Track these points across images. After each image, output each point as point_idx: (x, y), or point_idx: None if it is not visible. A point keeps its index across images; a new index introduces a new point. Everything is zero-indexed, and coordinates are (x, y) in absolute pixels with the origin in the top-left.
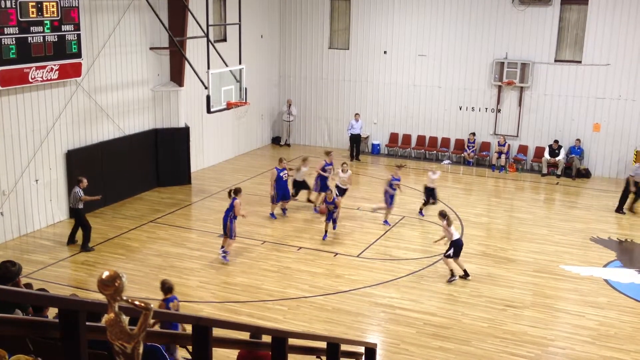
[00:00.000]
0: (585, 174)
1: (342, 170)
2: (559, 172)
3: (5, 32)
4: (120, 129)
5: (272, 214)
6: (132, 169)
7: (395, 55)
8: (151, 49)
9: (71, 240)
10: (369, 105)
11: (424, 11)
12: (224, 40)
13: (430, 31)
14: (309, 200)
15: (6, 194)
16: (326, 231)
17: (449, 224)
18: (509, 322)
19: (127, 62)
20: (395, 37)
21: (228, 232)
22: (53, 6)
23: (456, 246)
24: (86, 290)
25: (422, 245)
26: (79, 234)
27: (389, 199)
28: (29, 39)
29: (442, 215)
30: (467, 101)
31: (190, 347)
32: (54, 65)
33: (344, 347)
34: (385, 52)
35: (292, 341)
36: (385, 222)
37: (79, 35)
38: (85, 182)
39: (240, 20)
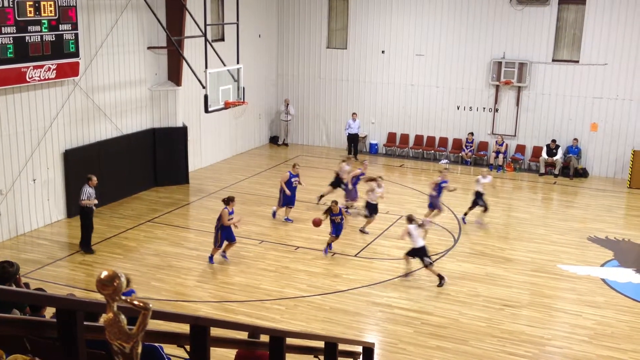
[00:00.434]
0: (582, 174)
1: (378, 185)
2: (556, 172)
3: (3, 32)
4: (117, 128)
5: (287, 218)
6: (130, 169)
7: (393, 55)
8: (149, 48)
9: (87, 248)
10: (367, 104)
11: (422, 11)
12: (222, 39)
13: (428, 31)
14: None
15: (3, 193)
16: (329, 244)
17: (416, 229)
18: (506, 322)
19: (124, 62)
20: (393, 37)
21: (214, 240)
22: (51, 5)
23: (420, 254)
24: (84, 290)
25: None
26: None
27: (437, 202)
28: (27, 38)
29: (410, 219)
30: (465, 101)
31: (188, 347)
32: (52, 64)
33: (341, 347)
34: (383, 52)
35: (290, 341)
36: (430, 221)
37: (76, 35)
38: (94, 180)
39: (238, 19)
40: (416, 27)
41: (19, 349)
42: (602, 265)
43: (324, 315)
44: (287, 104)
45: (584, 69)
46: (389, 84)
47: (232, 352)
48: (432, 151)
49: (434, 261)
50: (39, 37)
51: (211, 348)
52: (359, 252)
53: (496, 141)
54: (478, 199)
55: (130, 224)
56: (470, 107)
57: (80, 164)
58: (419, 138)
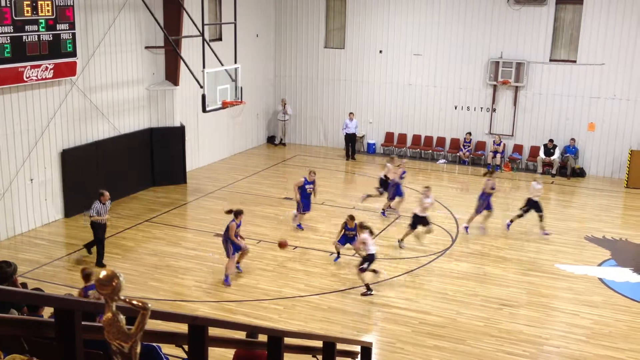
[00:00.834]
0: (580, 173)
1: (425, 196)
2: (553, 172)
3: (0, 31)
4: (115, 128)
5: (299, 225)
6: (128, 168)
7: (390, 55)
8: (146, 48)
9: (87, 248)
10: (364, 104)
11: (420, 10)
12: (220, 39)
13: (426, 30)
14: (389, 207)
15: (1, 193)
16: (338, 252)
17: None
18: (504, 321)
19: (122, 61)
20: (391, 37)
21: (226, 253)
22: (48, 5)
23: (371, 260)
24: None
25: (417, 244)
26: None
27: (487, 203)
28: (24, 37)
29: (363, 227)
30: (463, 100)
31: (186, 347)
32: (49, 64)
33: (339, 346)
34: (380, 52)
35: (288, 340)
36: (466, 228)
37: (74, 34)
38: (106, 195)
39: (235, 19)
40: (414, 27)
41: (17, 349)
42: (600, 264)
43: (322, 314)
44: (285, 104)
45: (582, 69)
46: (386, 83)
47: (230, 352)
48: (430, 151)
49: (365, 269)
50: (36, 36)
51: (209, 348)
52: (356, 252)
53: (494, 141)
54: (532, 207)
55: (128, 223)
56: (468, 107)
57: (77, 163)
58: (416, 138)
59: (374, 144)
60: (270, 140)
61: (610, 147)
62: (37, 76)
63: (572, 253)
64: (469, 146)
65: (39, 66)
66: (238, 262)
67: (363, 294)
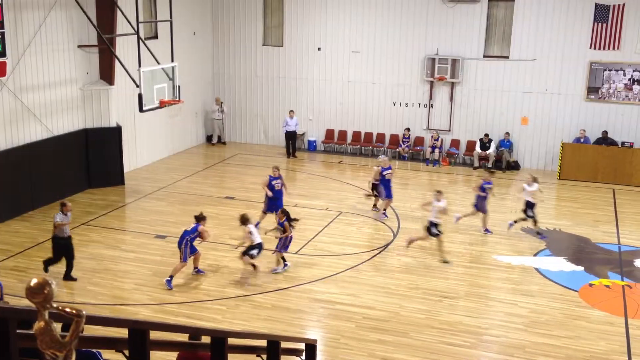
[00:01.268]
0: (514, 166)
1: (437, 200)
2: (489, 165)
3: None
4: (48, 129)
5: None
6: (62, 171)
7: (329, 52)
8: (79, 46)
9: (45, 266)
10: (304, 101)
11: (357, 8)
12: (155, 37)
13: (363, 28)
14: (374, 206)
15: None
16: (278, 261)
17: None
18: (445, 313)
19: (54, 61)
20: (329, 34)
21: (181, 256)
22: None
23: (260, 248)
24: (16, 296)
25: (359, 240)
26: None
27: (483, 204)
28: None
29: (244, 220)
30: (401, 97)
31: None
32: None
33: (284, 345)
34: (319, 49)
35: (232, 341)
36: (487, 230)
37: (2, 34)
38: (69, 206)
39: (171, 16)
40: (351, 24)
41: None
42: (535, 254)
43: (266, 313)
44: (221, 103)
45: (514, 65)
46: (325, 80)
47: (173, 355)
48: (370, 147)
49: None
50: None
51: (151, 352)
52: (299, 250)
53: (432, 136)
54: (528, 210)
55: None
56: (406, 103)
57: (7, 167)
58: (356, 134)
59: (314, 142)
60: (210, 139)
61: (543, 140)
62: None
63: (509, 244)
64: (408, 142)
65: None
66: (196, 267)
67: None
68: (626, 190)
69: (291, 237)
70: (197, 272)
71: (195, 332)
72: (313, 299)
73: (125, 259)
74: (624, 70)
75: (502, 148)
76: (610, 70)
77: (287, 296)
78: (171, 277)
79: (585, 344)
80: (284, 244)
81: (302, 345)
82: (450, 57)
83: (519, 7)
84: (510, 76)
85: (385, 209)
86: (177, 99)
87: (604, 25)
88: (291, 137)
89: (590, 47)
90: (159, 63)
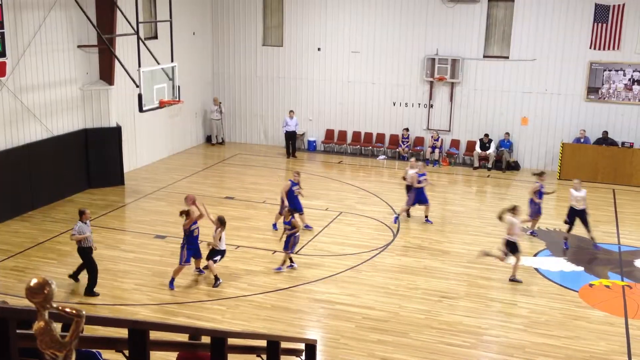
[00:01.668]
0: (514, 166)
1: (575, 189)
2: (489, 165)
3: None
4: (48, 129)
5: (307, 225)
6: (62, 171)
7: (329, 52)
8: (79, 47)
9: (74, 276)
10: (304, 102)
11: (357, 8)
12: (155, 37)
13: (363, 28)
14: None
15: None
16: (284, 261)
17: (222, 231)
18: (444, 313)
19: (54, 61)
20: (329, 34)
21: (180, 258)
22: None
23: (223, 254)
24: (16, 296)
25: (359, 240)
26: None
27: (537, 208)
28: None
29: (221, 221)
30: (401, 97)
31: (127, 352)
32: None
33: (284, 345)
34: (319, 49)
35: (231, 341)
36: (533, 232)
37: (2, 34)
38: (88, 214)
39: (171, 17)
40: (351, 24)
41: None
42: (535, 255)
43: (266, 313)
44: (220, 103)
45: (514, 65)
46: (325, 81)
47: (172, 355)
48: (370, 147)
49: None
50: None
51: (151, 352)
52: (299, 250)
53: (431, 136)
54: (572, 217)
55: (64, 227)
56: (406, 103)
57: (7, 168)
58: (356, 134)
59: (314, 142)
60: (210, 139)
61: (542, 140)
62: None
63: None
64: (407, 142)
65: None
66: (198, 267)
67: (214, 286)
68: (626, 191)
69: (298, 237)
70: (199, 271)
71: (195, 332)
72: (313, 299)
73: (124, 259)
74: (624, 71)
75: (502, 148)
76: (610, 70)
77: (287, 296)
78: (172, 279)
79: (585, 344)
80: (293, 243)
81: (302, 346)
82: (450, 57)
83: (518, 7)
84: (510, 76)
85: (405, 212)
86: (177, 99)
87: (604, 25)
88: (291, 137)
89: (590, 47)
90: (158, 63)
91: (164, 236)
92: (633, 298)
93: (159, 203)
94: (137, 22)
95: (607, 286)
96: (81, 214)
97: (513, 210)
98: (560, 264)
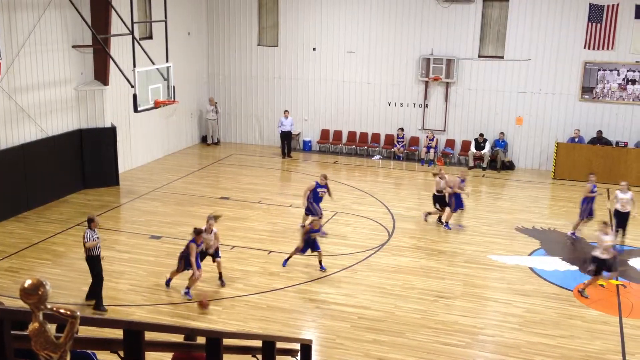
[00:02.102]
0: (509, 166)
1: (621, 191)
2: (484, 165)
3: None
4: (43, 130)
5: (302, 225)
6: (56, 171)
7: (324, 52)
8: (74, 47)
9: (90, 295)
10: (299, 102)
11: (352, 8)
12: (150, 37)
13: (358, 28)
14: (439, 220)
15: None
16: (320, 262)
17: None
18: (440, 313)
19: (48, 61)
20: (324, 34)
21: (177, 267)
22: None
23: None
24: (11, 297)
25: (355, 240)
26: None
27: (589, 208)
28: None
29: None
30: (396, 97)
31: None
32: None
33: (279, 345)
34: (314, 49)
35: (227, 341)
36: (573, 234)
37: None
38: (97, 221)
39: (166, 16)
40: (346, 24)
41: None
42: (530, 254)
43: (261, 314)
44: (215, 103)
45: (509, 65)
46: (320, 81)
47: (168, 356)
48: (365, 147)
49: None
50: None
51: (146, 352)
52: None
53: (427, 136)
54: (618, 220)
55: (59, 228)
56: (401, 103)
57: (2, 168)
58: (352, 134)
59: (309, 142)
60: (205, 139)
61: (537, 140)
62: None
63: (504, 244)
64: (402, 142)
65: None
66: (188, 288)
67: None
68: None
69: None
70: (186, 294)
71: (190, 333)
72: (308, 299)
73: (119, 259)
74: (618, 70)
75: (497, 148)
76: (604, 70)
77: (282, 296)
78: (187, 288)
79: (580, 343)
80: (314, 243)
81: (297, 346)
82: (445, 57)
83: (513, 7)
84: (505, 76)
85: (448, 220)
86: (172, 100)
87: (598, 25)
88: (286, 137)
89: (585, 47)
90: (153, 63)
91: (159, 236)
92: (627, 297)
93: (154, 203)
94: (132, 22)
95: (602, 285)
96: (90, 221)
97: (603, 225)
98: (555, 264)
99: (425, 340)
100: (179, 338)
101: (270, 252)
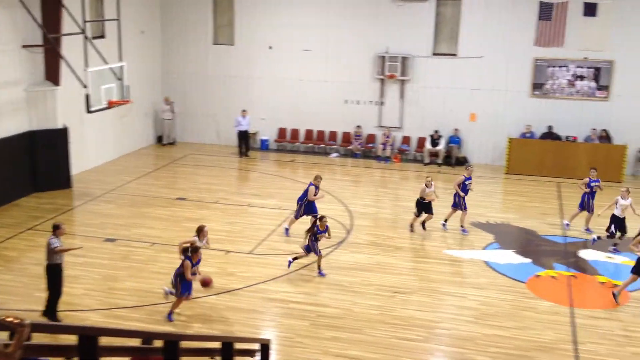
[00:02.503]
0: (463, 162)
1: (622, 197)
2: (439, 161)
3: None
4: None
5: (287, 229)
6: (7, 174)
7: (280, 51)
8: (24, 47)
9: (47, 311)
10: (256, 100)
11: (308, 6)
12: (102, 36)
13: (315, 26)
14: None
15: None
16: (319, 265)
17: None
18: (397, 308)
19: None
20: (280, 32)
21: (178, 291)
22: None
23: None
24: None
25: None
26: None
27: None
28: None
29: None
30: (352, 95)
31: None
32: None
33: (238, 346)
34: (270, 48)
35: (185, 344)
36: (588, 229)
37: None
38: (63, 228)
39: (118, 15)
40: (302, 23)
41: None
42: (484, 248)
43: (220, 315)
44: (171, 103)
45: (462, 62)
46: (277, 79)
47: None
48: (323, 145)
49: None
50: None
51: (102, 358)
52: (253, 250)
53: (383, 133)
54: (616, 225)
55: (9, 233)
56: (358, 101)
57: None
58: (309, 133)
59: (267, 140)
60: (160, 140)
61: (490, 136)
62: None
63: (459, 238)
64: (360, 139)
65: None
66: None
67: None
68: (570, 183)
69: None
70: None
71: (147, 337)
72: (267, 298)
73: (74, 263)
74: (567, 67)
75: (452, 144)
76: (554, 66)
77: (240, 297)
78: (170, 312)
79: (533, 333)
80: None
81: (256, 346)
82: (400, 55)
83: (466, 5)
84: (459, 73)
85: (463, 224)
86: (126, 99)
87: (548, 22)
88: (244, 137)
89: (535, 44)
90: (106, 63)
91: (113, 239)
92: (578, 288)
93: (108, 206)
94: (84, 21)
95: (553, 277)
96: (55, 228)
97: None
98: (508, 257)
99: (383, 335)
100: (136, 342)
101: (228, 252)
